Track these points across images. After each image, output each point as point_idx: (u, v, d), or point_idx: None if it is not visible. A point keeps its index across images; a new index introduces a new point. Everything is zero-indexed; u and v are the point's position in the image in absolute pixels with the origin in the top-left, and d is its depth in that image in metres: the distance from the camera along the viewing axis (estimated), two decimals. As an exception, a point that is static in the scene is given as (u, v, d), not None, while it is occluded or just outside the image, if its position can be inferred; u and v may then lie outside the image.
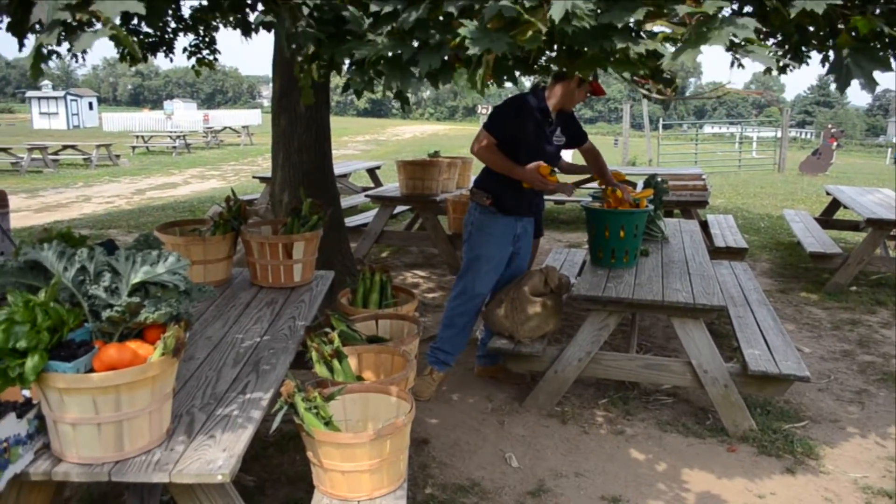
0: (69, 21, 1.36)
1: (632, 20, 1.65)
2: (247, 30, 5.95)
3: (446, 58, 1.82)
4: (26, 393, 2.11)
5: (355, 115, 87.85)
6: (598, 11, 1.63)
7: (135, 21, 5.76)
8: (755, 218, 10.97)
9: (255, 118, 44.56)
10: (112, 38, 1.40)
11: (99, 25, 1.47)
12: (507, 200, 4.11)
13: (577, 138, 4.48)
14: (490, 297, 4.39)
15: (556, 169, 4.19)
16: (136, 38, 6.10)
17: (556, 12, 1.57)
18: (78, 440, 1.94)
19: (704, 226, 7.83)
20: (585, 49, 1.69)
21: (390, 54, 1.86)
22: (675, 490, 3.38)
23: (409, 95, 2.37)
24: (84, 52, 5.55)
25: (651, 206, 4.87)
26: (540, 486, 3.40)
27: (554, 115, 4.16)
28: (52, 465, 1.96)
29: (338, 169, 8.06)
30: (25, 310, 1.86)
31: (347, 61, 2.16)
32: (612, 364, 4.12)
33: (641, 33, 1.77)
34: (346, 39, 2.04)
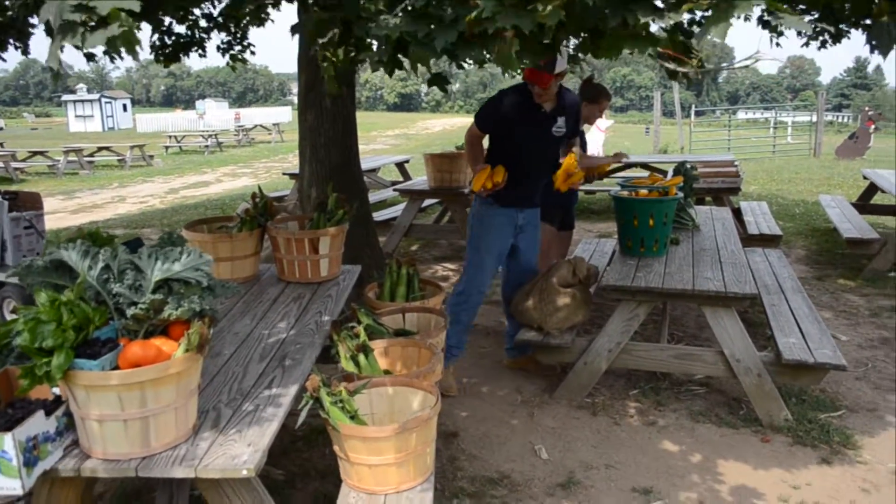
0: (80, 21, 1.36)
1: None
2: (261, 20, 6.00)
3: (462, 32, 1.79)
4: (56, 390, 2.14)
5: (385, 109, 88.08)
6: None
7: (167, 22, 5.83)
8: (790, 204, 10.77)
9: (285, 115, 44.83)
10: (118, 36, 1.40)
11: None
12: (504, 192, 4.05)
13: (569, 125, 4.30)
14: (515, 289, 4.36)
15: (499, 170, 4.01)
16: (169, 39, 6.18)
17: None
18: (105, 436, 1.96)
19: (738, 213, 7.70)
20: (607, 26, 1.65)
21: (405, 32, 1.84)
22: (709, 482, 3.34)
23: (445, 76, 2.35)
24: (114, 53, 5.62)
25: (680, 194, 4.80)
26: (570, 478, 3.37)
27: (549, 108, 4.03)
28: (80, 462, 1.99)
29: (367, 163, 8.09)
30: (51, 308, 1.89)
31: (375, 45, 2.15)
32: (642, 354, 4.07)
33: (662, 3, 1.72)
34: (361, 20, 2.03)
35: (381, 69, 2.16)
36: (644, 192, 4.53)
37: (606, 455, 3.58)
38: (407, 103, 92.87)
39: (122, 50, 1.56)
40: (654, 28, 1.68)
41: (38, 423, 1.93)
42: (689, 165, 5.52)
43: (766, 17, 4.45)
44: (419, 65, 1.96)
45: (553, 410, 4.05)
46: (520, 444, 3.70)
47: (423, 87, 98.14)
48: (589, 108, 4.97)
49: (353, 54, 2.40)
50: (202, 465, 1.93)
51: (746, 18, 1.80)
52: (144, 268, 2.01)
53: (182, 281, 2.04)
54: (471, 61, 1.79)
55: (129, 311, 1.99)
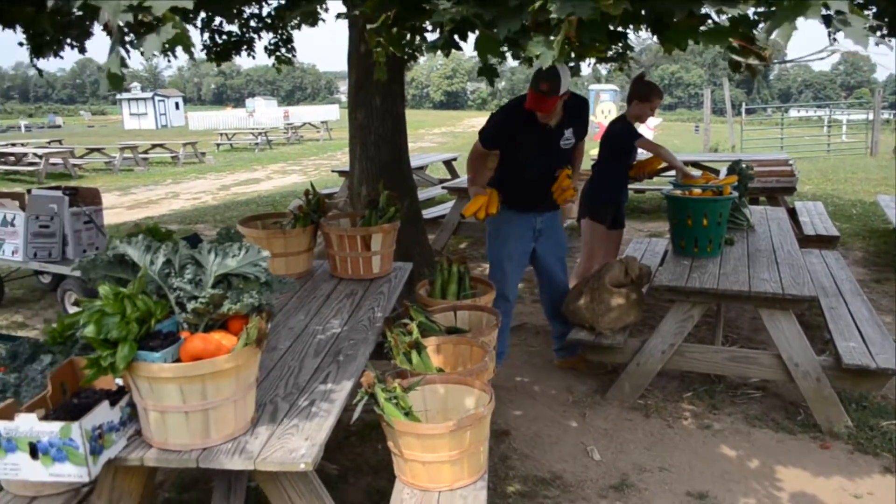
0: (135, 22, 1.38)
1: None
2: (314, 20, 6.07)
3: (526, 22, 1.76)
4: (119, 381, 2.19)
5: (431, 107, 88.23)
6: None
7: (217, 22, 5.94)
8: (846, 204, 10.50)
9: (333, 113, 45.22)
10: (173, 39, 1.41)
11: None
12: (514, 197, 4.02)
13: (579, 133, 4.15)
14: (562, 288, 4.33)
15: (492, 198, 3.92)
16: (220, 39, 6.28)
17: None
18: (167, 427, 2.00)
19: (792, 213, 7.53)
20: (673, 18, 1.62)
21: (473, 14, 1.82)
22: (767, 488, 3.26)
23: (495, 68, 2.33)
24: (169, 53, 5.75)
25: (735, 194, 4.71)
26: (623, 480, 3.34)
27: (554, 122, 3.89)
28: (143, 451, 2.03)
29: (415, 161, 8.10)
30: (115, 302, 1.93)
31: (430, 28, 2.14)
32: (697, 356, 4.01)
33: None
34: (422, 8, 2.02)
35: (434, 52, 2.15)
36: (698, 191, 4.46)
37: (660, 458, 3.53)
38: (453, 101, 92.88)
39: (178, 48, 1.58)
40: (719, 19, 1.64)
41: (104, 413, 1.97)
42: (744, 164, 5.41)
43: (829, 13, 4.34)
44: (488, 55, 1.93)
45: (605, 411, 4.01)
46: (572, 444, 3.67)
47: (469, 86, 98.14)
48: (640, 107, 4.91)
49: (406, 38, 2.38)
50: (261, 458, 1.96)
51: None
52: (204, 263, 2.04)
53: (241, 276, 2.06)
54: (532, 54, 1.75)
55: (190, 305, 2.02)
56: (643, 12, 1.80)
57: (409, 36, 2.43)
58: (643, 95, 4.89)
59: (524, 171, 4.00)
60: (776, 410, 3.99)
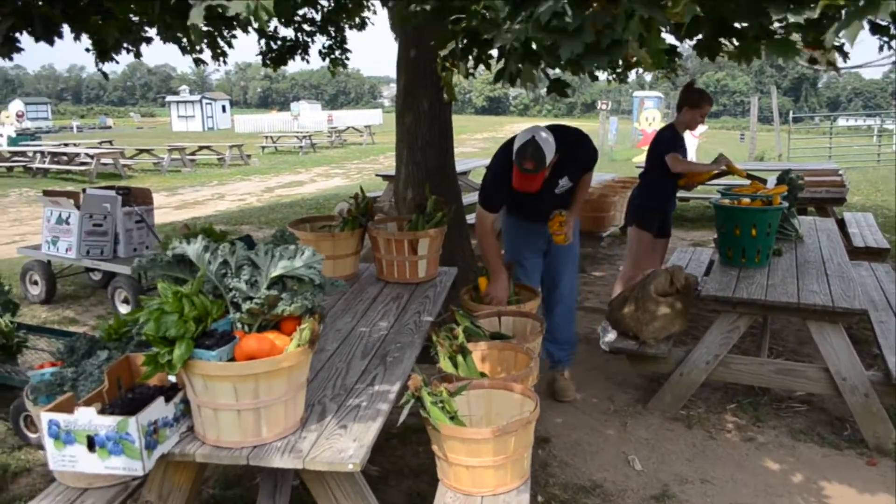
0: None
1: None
2: (362, 24, 6.17)
3: (588, 41, 1.77)
4: (172, 378, 2.24)
5: (473, 112, 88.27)
6: None
7: (272, 26, 6.04)
8: (897, 216, 10.27)
9: (376, 118, 45.56)
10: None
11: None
12: (519, 210, 4.06)
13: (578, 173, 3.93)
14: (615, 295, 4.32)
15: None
16: (275, 44, 6.40)
17: None
18: (219, 424, 2.04)
19: (841, 224, 7.39)
20: (737, 25, 1.62)
21: (534, 38, 1.83)
22: (811, 503, 3.22)
23: (565, 81, 2.36)
24: (225, 56, 5.88)
25: (785, 204, 4.65)
26: (664, 491, 3.31)
27: (548, 173, 3.65)
28: (195, 447, 2.08)
29: (458, 166, 8.11)
30: (174, 300, 1.98)
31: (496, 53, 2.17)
32: (742, 368, 3.96)
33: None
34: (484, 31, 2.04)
35: (501, 81, 2.17)
36: (747, 200, 4.41)
37: (702, 469, 3.50)
38: (495, 107, 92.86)
39: (252, 21, 1.62)
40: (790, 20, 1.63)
41: (159, 409, 2.02)
42: (794, 174, 5.34)
43: (882, 22, 4.24)
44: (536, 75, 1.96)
45: (646, 421, 3.99)
46: (612, 453, 3.66)
47: (511, 91, 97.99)
48: (691, 113, 4.88)
49: (473, 65, 2.42)
50: (310, 458, 1.99)
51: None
52: (261, 264, 2.08)
53: (295, 278, 2.11)
54: (598, 71, 1.77)
55: (245, 306, 2.07)
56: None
57: (474, 62, 2.46)
58: (694, 102, 4.86)
59: (523, 214, 4.08)
60: (822, 425, 3.93)
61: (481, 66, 2.64)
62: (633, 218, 5.16)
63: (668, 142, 4.94)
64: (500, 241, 4.27)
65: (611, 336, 4.98)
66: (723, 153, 4.92)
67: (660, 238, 5.18)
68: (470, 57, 2.33)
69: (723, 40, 2.10)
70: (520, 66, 2.02)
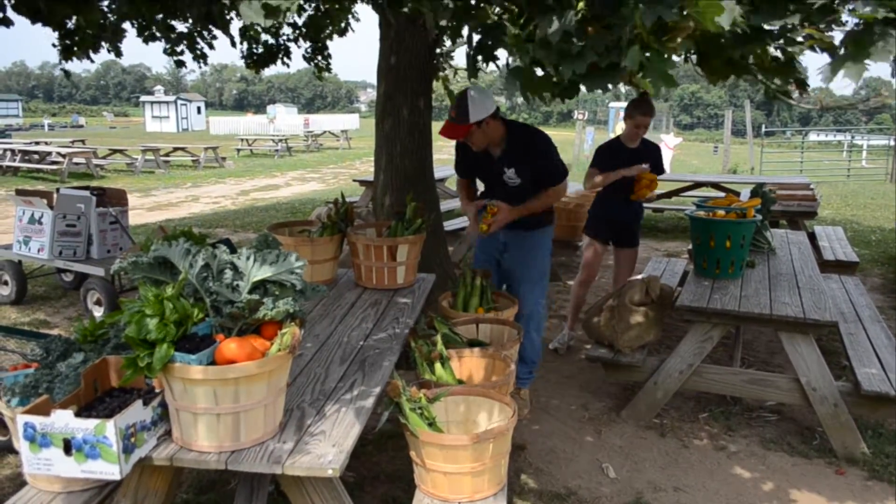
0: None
1: (787, 24, 1.60)
2: (343, 31, 6.21)
3: (592, 63, 1.79)
4: (150, 381, 2.23)
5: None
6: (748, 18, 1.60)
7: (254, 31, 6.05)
8: (866, 230, 10.46)
9: (353, 123, 45.45)
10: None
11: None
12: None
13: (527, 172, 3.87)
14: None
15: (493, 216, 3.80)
16: (258, 47, 6.40)
17: (725, 20, 1.55)
18: (198, 429, 2.03)
19: (812, 237, 7.52)
20: (719, 55, 1.67)
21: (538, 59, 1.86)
22: (781, 511, 3.27)
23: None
24: (206, 57, 5.88)
25: (758, 217, 4.72)
26: (638, 498, 3.35)
27: (497, 153, 3.83)
28: (173, 452, 2.07)
29: (436, 173, 8.14)
30: (155, 303, 1.97)
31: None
32: (714, 377, 4.01)
33: (788, 38, 1.72)
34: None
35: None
36: (721, 213, 4.48)
37: (675, 477, 3.54)
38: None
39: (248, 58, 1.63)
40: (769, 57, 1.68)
41: (137, 413, 2.01)
42: (766, 188, 5.42)
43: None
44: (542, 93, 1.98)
45: (620, 429, 4.02)
46: (587, 461, 3.69)
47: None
48: (627, 124, 4.91)
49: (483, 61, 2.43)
50: (289, 462, 1.99)
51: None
52: (243, 268, 2.08)
53: (277, 283, 2.11)
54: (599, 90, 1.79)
55: (226, 309, 2.07)
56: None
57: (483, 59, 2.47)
58: (628, 113, 4.89)
59: (488, 197, 4.02)
60: (792, 434, 3.99)
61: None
62: (585, 226, 5.32)
63: (599, 154, 5.01)
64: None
65: (562, 337, 5.17)
66: (645, 165, 4.87)
67: (620, 248, 5.17)
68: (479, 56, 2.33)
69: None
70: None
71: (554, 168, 3.85)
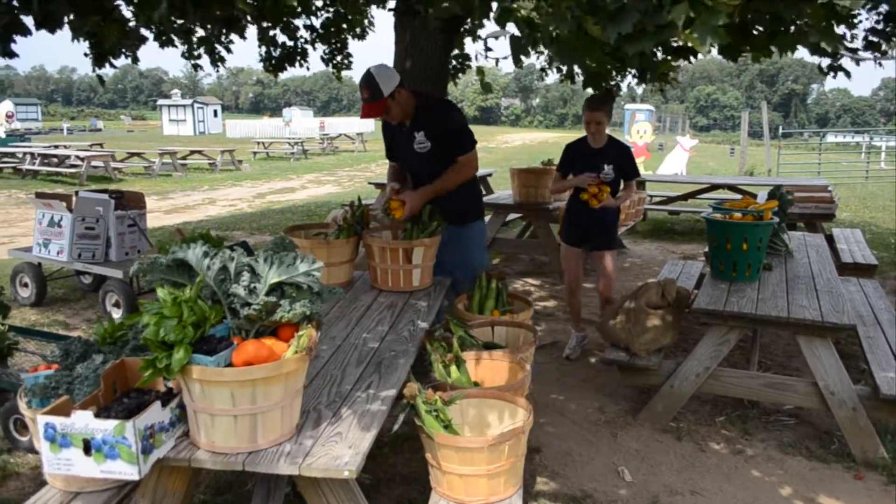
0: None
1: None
2: (363, 34, 6.25)
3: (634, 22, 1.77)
4: (168, 383, 2.25)
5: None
6: None
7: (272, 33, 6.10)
8: (885, 233, 10.36)
9: (368, 125, 45.47)
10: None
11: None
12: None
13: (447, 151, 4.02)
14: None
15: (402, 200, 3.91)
16: (275, 50, 6.45)
17: None
18: (216, 430, 2.05)
19: (830, 240, 7.45)
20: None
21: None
22: (799, 515, 3.25)
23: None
24: (223, 61, 5.93)
25: (776, 219, 4.70)
26: (654, 502, 3.34)
27: (408, 123, 4.00)
28: (190, 452, 2.08)
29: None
30: (173, 305, 1.99)
31: None
32: (731, 381, 3.99)
33: None
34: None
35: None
36: (738, 215, 4.45)
37: (691, 481, 3.52)
38: (486, 117, 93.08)
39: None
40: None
41: (156, 414, 2.03)
42: (784, 190, 5.39)
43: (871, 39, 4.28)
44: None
45: (636, 432, 4.01)
46: (602, 464, 3.68)
47: (503, 101, 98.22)
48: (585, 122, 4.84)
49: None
50: (306, 464, 2.00)
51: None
52: (260, 271, 2.10)
53: (294, 285, 2.12)
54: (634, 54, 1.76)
55: (243, 312, 2.08)
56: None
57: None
58: (583, 111, 4.85)
59: (411, 180, 4.17)
60: (810, 438, 3.96)
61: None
62: (559, 231, 5.31)
63: (563, 155, 5.00)
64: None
65: (573, 343, 5.09)
66: (591, 174, 4.77)
67: (595, 252, 5.04)
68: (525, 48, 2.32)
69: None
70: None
71: (461, 132, 4.01)
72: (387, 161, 4.36)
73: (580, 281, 5.23)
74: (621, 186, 4.88)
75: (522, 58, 2.48)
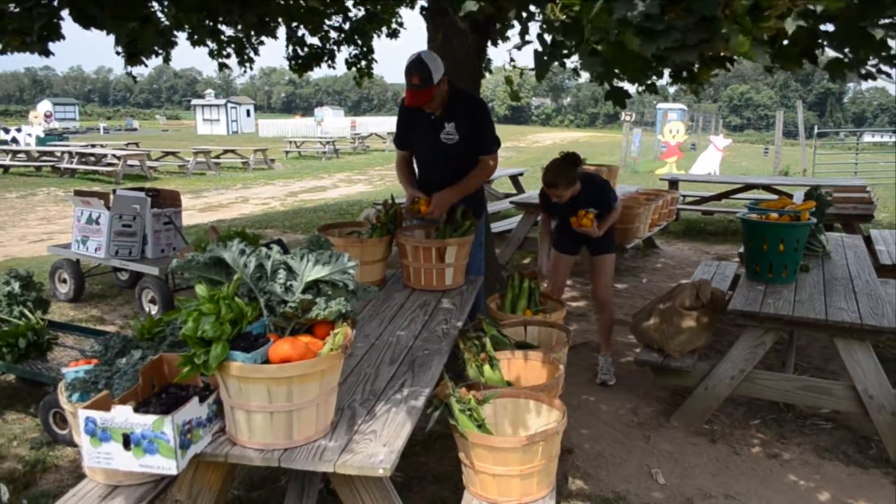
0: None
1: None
2: (394, 33, 6.29)
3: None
4: (205, 378, 2.27)
5: (496, 121, 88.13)
6: None
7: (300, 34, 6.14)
8: (925, 235, 10.14)
9: (398, 125, 45.62)
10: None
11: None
12: (421, 168, 4.21)
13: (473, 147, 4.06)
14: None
15: (428, 198, 3.96)
16: (303, 50, 6.50)
17: None
18: (252, 426, 2.07)
19: (868, 241, 7.32)
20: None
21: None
22: (836, 521, 3.20)
23: (626, 91, 2.38)
24: (252, 62, 5.97)
25: (813, 220, 4.63)
26: (688, 504, 3.31)
27: (438, 112, 3.98)
28: (227, 448, 2.10)
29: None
30: (211, 302, 2.01)
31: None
32: (767, 384, 3.94)
33: None
34: None
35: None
36: (775, 215, 4.39)
37: (726, 485, 3.48)
38: (517, 116, 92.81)
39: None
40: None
41: (193, 409, 2.05)
42: (822, 191, 5.31)
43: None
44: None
45: (670, 435, 3.98)
46: (636, 466, 3.65)
47: (534, 101, 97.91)
48: None
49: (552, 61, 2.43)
50: (341, 461, 2.01)
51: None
52: (296, 268, 2.11)
53: (330, 283, 2.13)
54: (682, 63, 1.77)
55: (279, 309, 2.10)
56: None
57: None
58: None
59: (420, 169, 4.20)
60: (847, 443, 3.90)
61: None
62: (552, 242, 5.09)
63: (541, 202, 4.84)
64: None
65: (604, 366, 4.78)
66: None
67: (594, 255, 4.82)
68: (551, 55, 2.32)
69: None
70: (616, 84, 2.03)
71: (489, 133, 4.06)
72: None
73: (562, 288, 5.03)
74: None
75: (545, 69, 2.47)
